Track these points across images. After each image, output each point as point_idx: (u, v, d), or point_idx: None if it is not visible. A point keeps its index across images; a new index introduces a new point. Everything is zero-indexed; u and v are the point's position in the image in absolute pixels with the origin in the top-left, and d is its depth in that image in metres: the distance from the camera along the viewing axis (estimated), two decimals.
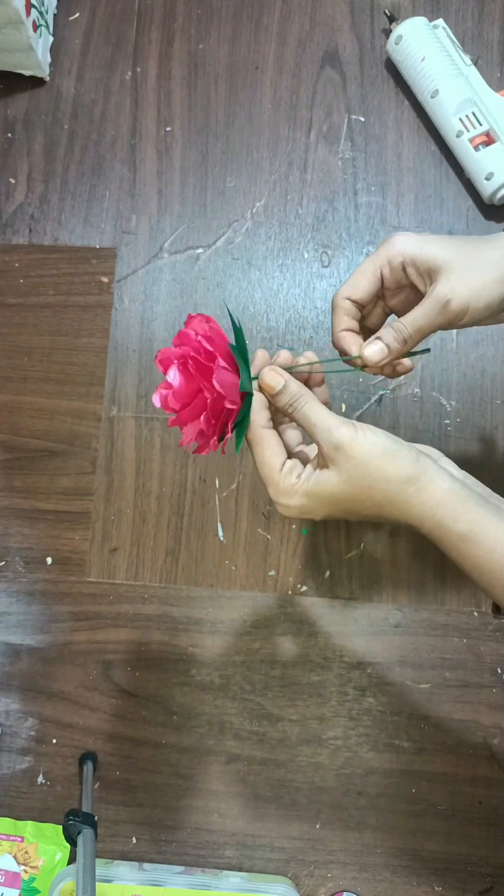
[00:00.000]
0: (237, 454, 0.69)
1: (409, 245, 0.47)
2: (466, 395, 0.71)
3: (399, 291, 0.51)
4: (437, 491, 0.43)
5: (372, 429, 0.43)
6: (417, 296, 0.49)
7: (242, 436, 0.45)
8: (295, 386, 0.45)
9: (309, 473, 0.44)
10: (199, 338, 0.41)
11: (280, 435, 0.46)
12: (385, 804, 0.66)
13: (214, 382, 0.41)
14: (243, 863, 0.66)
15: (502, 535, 0.42)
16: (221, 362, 0.41)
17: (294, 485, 0.44)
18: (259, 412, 0.45)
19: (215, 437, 0.43)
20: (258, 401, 0.45)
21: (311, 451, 0.49)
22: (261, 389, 0.45)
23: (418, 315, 0.47)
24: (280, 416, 0.48)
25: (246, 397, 0.44)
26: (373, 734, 0.67)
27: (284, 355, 0.47)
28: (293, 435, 0.49)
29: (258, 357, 0.46)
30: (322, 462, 0.44)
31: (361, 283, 0.49)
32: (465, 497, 0.43)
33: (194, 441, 0.43)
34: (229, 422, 0.44)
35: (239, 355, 0.43)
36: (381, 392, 0.71)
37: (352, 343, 0.50)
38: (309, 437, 0.45)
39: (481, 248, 0.47)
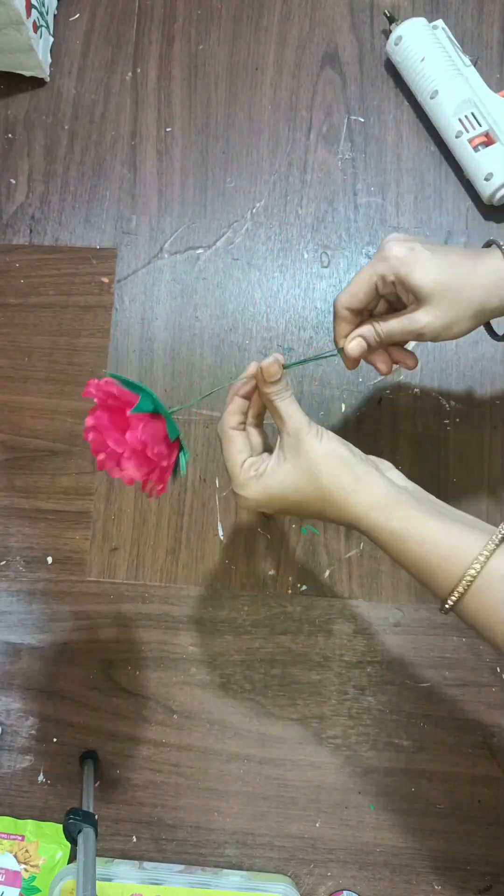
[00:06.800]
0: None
1: (401, 266, 0.51)
2: (466, 396, 0.71)
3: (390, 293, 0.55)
4: (373, 494, 0.47)
5: (335, 437, 0.49)
6: (400, 302, 0.55)
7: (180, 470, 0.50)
8: (285, 381, 0.51)
9: (266, 468, 0.49)
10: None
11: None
12: (385, 803, 0.66)
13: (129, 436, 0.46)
14: (243, 861, 0.67)
15: (430, 528, 0.46)
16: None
17: (252, 478, 0.49)
18: (233, 415, 0.51)
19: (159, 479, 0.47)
20: (235, 406, 0.51)
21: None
22: (257, 376, 0.51)
23: (393, 327, 0.54)
24: (245, 421, 0.53)
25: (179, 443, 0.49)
26: (372, 733, 0.67)
27: (277, 357, 0.52)
28: (256, 440, 0.53)
29: (252, 366, 0.51)
30: (281, 457, 0.49)
31: (359, 295, 0.54)
32: (397, 499, 0.47)
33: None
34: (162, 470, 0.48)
35: (162, 410, 0.48)
36: (381, 392, 0.71)
37: (341, 337, 0.56)
38: (278, 427, 0.50)
39: (467, 284, 0.51)
